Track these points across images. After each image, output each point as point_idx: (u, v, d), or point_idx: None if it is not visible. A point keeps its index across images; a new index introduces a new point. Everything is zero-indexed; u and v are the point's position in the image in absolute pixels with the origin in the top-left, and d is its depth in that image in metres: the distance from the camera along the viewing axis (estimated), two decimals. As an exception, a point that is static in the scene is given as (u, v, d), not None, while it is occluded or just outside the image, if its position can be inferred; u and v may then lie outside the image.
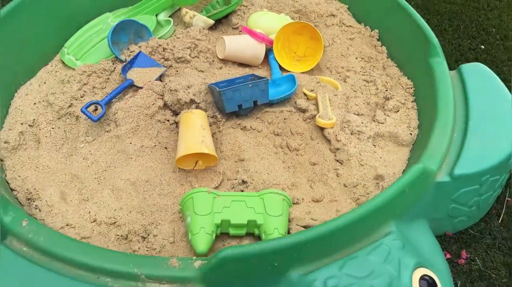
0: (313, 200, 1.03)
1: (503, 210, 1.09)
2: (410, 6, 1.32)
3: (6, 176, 1.05)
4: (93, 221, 0.96)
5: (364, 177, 1.06)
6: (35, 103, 1.23)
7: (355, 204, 1.02)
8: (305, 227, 0.94)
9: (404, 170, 1.06)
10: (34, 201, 1.00)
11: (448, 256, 0.99)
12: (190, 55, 1.32)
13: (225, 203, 0.94)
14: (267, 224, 0.92)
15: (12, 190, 1.03)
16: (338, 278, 0.76)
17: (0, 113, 1.18)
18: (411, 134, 1.13)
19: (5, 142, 1.10)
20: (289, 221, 0.96)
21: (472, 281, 0.96)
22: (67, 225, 0.94)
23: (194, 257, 0.80)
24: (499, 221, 1.07)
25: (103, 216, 0.98)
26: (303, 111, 1.20)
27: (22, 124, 1.16)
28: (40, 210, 0.97)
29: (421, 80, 1.22)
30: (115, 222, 0.98)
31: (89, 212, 0.98)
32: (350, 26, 1.47)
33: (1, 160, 1.09)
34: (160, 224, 0.98)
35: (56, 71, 1.35)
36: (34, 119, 1.18)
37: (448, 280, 0.85)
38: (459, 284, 0.95)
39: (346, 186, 1.05)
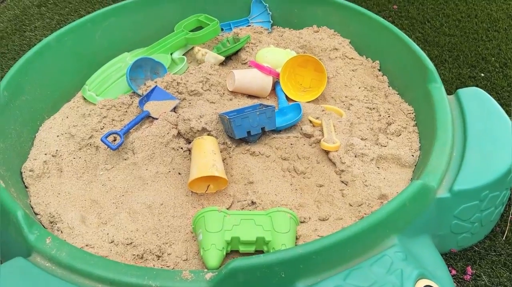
0: (319, 219, 1.07)
1: (507, 227, 1.11)
2: (407, 37, 1.40)
3: (30, 201, 1.13)
4: (111, 242, 1.01)
5: (369, 196, 1.10)
6: (58, 136, 1.33)
7: (360, 222, 1.05)
8: (312, 243, 0.98)
9: (407, 189, 1.10)
10: (56, 224, 1.06)
11: (454, 272, 1.01)
12: (202, 88, 1.41)
13: (234, 221, 0.99)
14: (275, 241, 0.96)
15: (36, 214, 1.10)
16: (343, 288, 0.79)
17: (26, 145, 1.27)
18: (413, 155, 1.18)
19: (30, 171, 1.18)
20: (297, 238, 1.00)
21: (478, 296, 0.97)
22: (86, 245, 1.00)
23: (205, 270, 0.84)
24: (504, 238, 1.09)
25: (120, 237, 1.03)
26: (309, 136, 1.26)
27: (46, 154, 1.25)
28: (61, 232, 1.04)
29: (421, 105, 1.28)
30: (131, 243, 1.03)
31: (107, 234, 1.04)
32: (352, 58, 1.55)
33: (26, 187, 1.17)
34: (174, 243, 1.03)
35: (78, 107, 1.46)
36: (57, 150, 1.26)
37: (452, 292, 0.87)
38: (465, 299, 0.97)
39: (351, 205, 1.09)
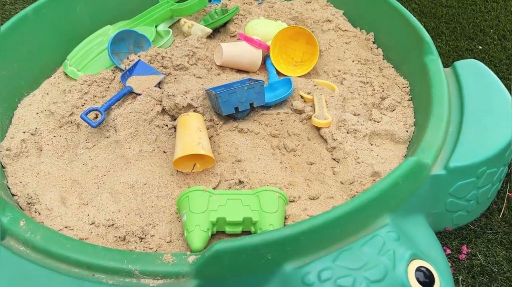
0: (309, 198, 1.03)
1: (504, 205, 1.08)
2: (403, 8, 1.33)
3: (7, 182, 1.07)
4: (92, 223, 0.97)
5: (361, 174, 1.06)
6: (37, 113, 1.26)
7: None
8: (301, 223, 0.94)
9: (400, 166, 1.06)
10: (34, 205, 1.01)
11: (449, 251, 0.98)
12: (188, 62, 1.34)
13: (220, 201, 0.94)
14: (262, 221, 0.92)
15: (13, 195, 1.05)
16: (332, 269, 0.76)
17: (3, 123, 1.21)
18: (407, 131, 1.13)
19: (7, 150, 1.13)
20: (286, 218, 0.96)
21: (473, 276, 0.94)
22: (65, 227, 0.96)
23: (188, 253, 0.80)
24: (500, 216, 1.06)
25: (101, 218, 0.99)
26: (300, 112, 1.21)
27: (24, 132, 1.19)
28: (39, 213, 0.99)
29: (416, 79, 1.23)
30: (113, 224, 0.98)
31: (88, 215, 1.00)
32: (346, 30, 1.49)
33: (3, 167, 1.11)
34: (158, 225, 0.99)
35: (59, 83, 1.39)
36: (36, 128, 1.21)
37: (446, 272, 0.84)
38: (460, 279, 0.93)
39: (342, 183, 1.05)
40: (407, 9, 1.64)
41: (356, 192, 1.02)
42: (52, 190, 1.05)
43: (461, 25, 1.65)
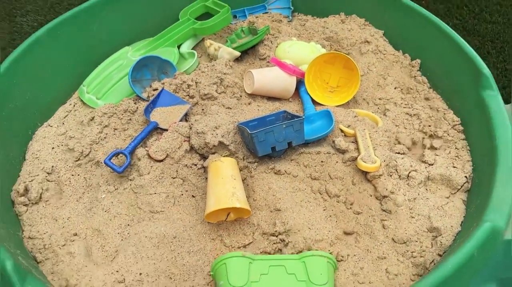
0: (359, 259, 0.91)
1: None
2: (454, 32, 1.21)
3: (23, 233, 0.97)
4: (121, 282, 0.87)
5: (418, 230, 0.94)
6: (53, 148, 1.16)
7: (409, 262, 0.90)
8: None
9: (462, 222, 0.94)
10: (57, 260, 0.91)
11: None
12: (216, 91, 1.23)
13: (262, 269, 0.83)
14: (311, 295, 0.81)
15: (30, 249, 0.95)
16: None
17: (15, 161, 1.11)
18: (466, 177, 1.01)
19: (22, 195, 1.02)
20: (336, 287, 0.85)
21: None
22: (90, 289, 0.85)
23: None
24: None
25: (130, 280, 0.88)
26: (343, 152, 1.09)
27: (40, 172, 1.08)
28: (63, 270, 0.89)
29: (471, 116, 1.10)
30: (142, 290, 0.88)
31: (113, 273, 0.89)
32: (386, 53, 1.36)
33: (18, 216, 1.01)
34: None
35: (75, 110, 1.28)
36: (52, 166, 1.10)
37: None
38: None
39: (395, 242, 0.93)
40: (448, 25, 1.51)
41: (414, 253, 0.91)
42: (75, 239, 0.95)
43: (508, 44, 1.52)
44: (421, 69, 1.31)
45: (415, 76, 1.31)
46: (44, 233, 0.97)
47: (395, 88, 1.29)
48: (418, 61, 1.32)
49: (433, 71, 1.27)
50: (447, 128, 1.14)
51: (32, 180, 1.06)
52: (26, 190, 1.04)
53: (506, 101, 1.08)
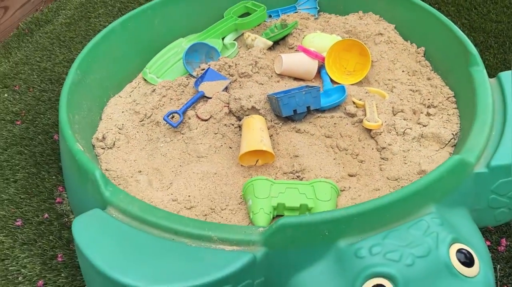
0: (358, 189, 1.15)
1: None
2: (451, 22, 1.44)
3: (101, 167, 1.28)
4: (174, 200, 1.15)
5: (408, 172, 1.17)
6: (123, 111, 1.47)
7: (399, 194, 1.13)
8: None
9: (445, 166, 1.16)
10: (126, 185, 1.20)
11: (488, 243, 1.06)
12: (252, 70, 1.51)
13: (280, 189, 1.09)
14: (317, 208, 1.06)
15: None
16: (382, 245, 0.88)
17: (95, 118, 1.43)
18: (453, 134, 1.23)
19: (100, 141, 1.34)
20: (336, 207, 1.09)
21: (511, 266, 1.02)
22: (152, 202, 1.14)
23: (258, 226, 0.95)
24: (542, 215, 1.13)
25: (181, 199, 1.16)
26: (352, 116, 1.34)
27: (113, 127, 1.39)
28: (130, 191, 1.18)
29: (462, 88, 1.32)
30: (191, 207, 1.15)
31: (169, 195, 1.17)
32: (396, 43, 1.60)
33: (97, 156, 1.32)
34: (227, 207, 1.15)
35: (140, 87, 1.60)
36: (122, 124, 1.41)
37: (486, 257, 0.93)
38: (498, 268, 1.02)
39: (389, 179, 1.17)
40: (456, 24, 1.74)
41: (402, 186, 1.13)
42: (140, 174, 1.24)
43: (510, 39, 1.72)
44: (425, 55, 1.55)
45: (420, 61, 1.54)
46: (117, 168, 1.28)
47: (402, 71, 1.53)
48: (423, 48, 1.56)
49: (434, 56, 1.51)
50: (442, 100, 1.37)
51: (107, 132, 1.37)
52: (103, 138, 1.35)
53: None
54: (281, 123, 1.36)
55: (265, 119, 1.35)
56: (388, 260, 0.86)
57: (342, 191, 1.14)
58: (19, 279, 1.12)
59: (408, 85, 1.45)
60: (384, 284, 0.84)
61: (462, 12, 1.89)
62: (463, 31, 1.48)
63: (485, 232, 1.10)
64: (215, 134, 1.35)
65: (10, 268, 1.14)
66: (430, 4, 1.64)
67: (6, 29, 2.10)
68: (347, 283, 0.87)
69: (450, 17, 1.84)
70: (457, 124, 1.28)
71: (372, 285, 0.85)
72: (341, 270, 0.90)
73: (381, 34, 1.63)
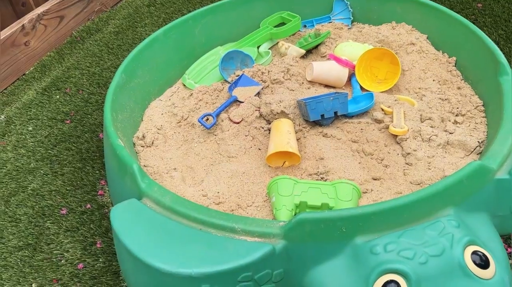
0: (380, 192, 1.18)
1: None
2: (482, 32, 1.45)
3: (140, 163, 1.38)
4: (204, 196, 1.23)
5: (432, 177, 1.19)
6: (162, 113, 1.58)
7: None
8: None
9: (469, 172, 1.17)
10: (161, 180, 1.30)
11: (510, 250, 1.07)
12: (283, 77, 1.58)
13: (303, 188, 1.15)
14: (338, 207, 1.10)
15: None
16: (396, 243, 0.91)
17: (137, 119, 1.54)
18: (478, 141, 1.24)
19: (141, 139, 1.44)
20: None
21: (533, 274, 1.02)
22: (183, 197, 1.22)
23: (279, 220, 1.01)
24: None
25: (210, 195, 1.24)
26: (379, 122, 1.37)
27: (152, 128, 1.50)
28: (165, 186, 1.27)
29: (491, 97, 1.33)
30: (219, 202, 1.23)
31: (199, 191, 1.25)
32: (428, 53, 1.62)
33: (137, 153, 1.43)
34: (253, 204, 1.21)
35: (179, 91, 1.71)
36: (161, 125, 1.52)
37: (503, 261, 0.94)
38: (519, 274, 1.02)
39: (411, 183, 1.19)
40: (493, 35, 1.74)
41: (425, 191, 1.15)
42: (175, 171, 1.34)
43: (548, 50, 1.69)
44: (456, 65, 1.56)
45: (450, 71, 1.55)
46: (154, 165, 1.38)
47: (433, 80, 1.55)
48: (454, 58, 1.57)
49: (465, 66, 1.52)
50: (471, 108, 1.38)
51: (147, 132, 1.48)
52: (143, 137, 1.46)
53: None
54: (308, 127, 1.42)
55: (294, 123, 1.41)
56: (402, 258, 0.89)
57: (364, 193, 1.18)
58: (62, 262, 1.23)
59: (438, 94, 1.47)
60: (397, 280, 0.87)
61: (499, 23, 1.88)
62: (499, 42, 1.49)
63: (508, 239, 1.10)
64: (246, 136, 1.42)
65: (55, 252, 1.26)
66: (467, 15, 1.66)
67: (61, 37, 2.29)
68: (362, 278, 0.91)
69: (486, 28, 1.83)
70: (484, 132, 1.28)
71: (385, 280, 0.88)
72: (356, 265, 0.93)
73: (413, 44, 1.65)
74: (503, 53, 1.40)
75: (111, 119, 1.32)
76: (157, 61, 1.69)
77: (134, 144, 1.45)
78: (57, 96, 1.90)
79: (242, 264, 0.92)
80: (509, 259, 1.05)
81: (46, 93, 1.91)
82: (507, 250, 1.06)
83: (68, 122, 1.74)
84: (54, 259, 1.24)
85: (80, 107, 1.81)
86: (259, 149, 1.40)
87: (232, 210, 1.19)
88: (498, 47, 1.46)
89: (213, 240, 0.98)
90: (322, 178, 1.25)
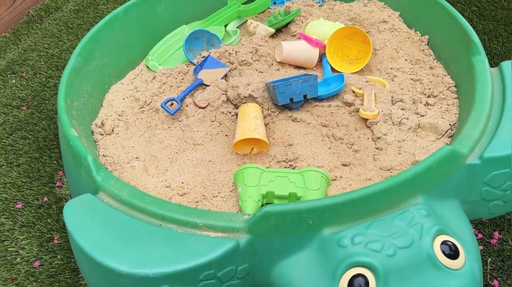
0: (349, 179, 1.14)
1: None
2: (455, 10, 1.40)
3: (99, 152, 1.30)
4: (167, 187, 1.17)
5: (402, 163, 1.15)
6: (123, 98, 1.49)
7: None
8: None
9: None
10: (121, 170, 1.23)
11: (480, 236, 1.05)
12: (252, 58, 1.50)
13: (270, 177, 1.10)
14: (306, 197, 1.06)
15: (103, 163, 1.27)
16: (364, 235, 0.88)
17: (96, 105, 1.45)
18: (450, 124, 1.21)
19: (99, 127, 1.36)
20: (326, 195, 1.09)
21: (503, 260, 1.00)
22: (145, 188, 1.16)
23: (243, 213, 0.96)
24: (538, 209, 1.10)
25: (174, 185, 1.18)
26: (349, 105, 1.32)
27: (113, 114, 1.42)
28: (125, 177, 1.20)
29: (463, 78, 1.29)
30: (183, 193, 1.17)
31: (162, 181, 1.19)
32: (400, 31, 1.57)
33: (96, 141, 1.35)
34: (218, 194, 1.16)
35: (142, 74, 1.62)
36: (122, 111, 1.43)
37: (473, 250, 0.92)
38: (489, 261, 1.00)
39: (381, 169, 1.15)
40: (466, 11, 1.70)
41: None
42: (136, 160, 1.26)
43: (521, 27, 1.66)
44: (429, 43, 1.51)
45: (423, 50, 1.51)
46: (114, 154, 1.30)
47: (405, 60, 1.50)
48: (427, 36, 1.52)
49: (438, 44, 1.47)
50: (443, 89, 1.34)
51: (107, 119, 1.40)
52: (102, 124, 1.38)
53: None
54: (277, 112, 1.36)
55: (262, 107, 1.35)
56: (370, 250, 0.85)
57: (333, 180, 1.14)
58: (17, 260, 1.16)
59: (410, 74, 1.43)
60: (365, 274, 0.84)
61: (472, -1, 1.84)
62: (472, 19, 1.44)
63: (478, 224, 1.08)
64: (212, 121, 1.35)
65: (9, 249, 1.19)
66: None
67: (16, 16, 2.14)
68: (328, 272, 0.88)
69: (460, 4, 1.79)
70: (455, 114, 1.25)
71: (353, 274, 0.85)
72: (324, 258, 0.90)
73: (385, 21, 1.60)
74: (476, 31, 1.36)
75: (64, 106, 1.23)
76: (117, 41, 1.58)
77: (92, 132, 1.37)
78: (13, 81, 1.78)
79: (204, 262, 0.87)
80: (479, 245, 1.03)
81: (0, 77, 1.79)
82: (477, 236, 1.04)
83: (24, 108, 1.64)
84: (9, 257, 1.17)
85: (38, 92, 1.70)
86: (226, 135, 1.34)
87: (197, 202, 1.14)
88: (471, 24, 1.42)
89: (173, 237, 0.93)
90: (291, 165, 1.20)
